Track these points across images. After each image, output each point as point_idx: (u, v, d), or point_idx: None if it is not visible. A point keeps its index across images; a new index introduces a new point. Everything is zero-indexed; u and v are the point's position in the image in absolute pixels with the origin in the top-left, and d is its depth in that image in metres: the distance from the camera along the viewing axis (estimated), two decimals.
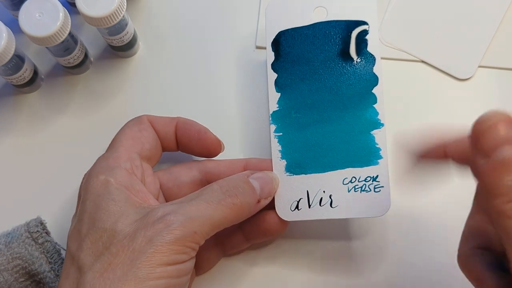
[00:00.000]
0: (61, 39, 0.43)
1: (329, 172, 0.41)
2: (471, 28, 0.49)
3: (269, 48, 0.43)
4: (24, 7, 0.42)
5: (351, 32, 0.42)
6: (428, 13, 0.50)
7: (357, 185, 0.40)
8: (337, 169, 0.41)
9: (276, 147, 0.43)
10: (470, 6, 0.50)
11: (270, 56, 0.43)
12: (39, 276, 0.41)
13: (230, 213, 0.36)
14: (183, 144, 0.43)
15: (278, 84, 0.43)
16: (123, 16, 0.44)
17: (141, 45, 0.51)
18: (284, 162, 0.42)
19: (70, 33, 0.44)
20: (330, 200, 0.40)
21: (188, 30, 0.51)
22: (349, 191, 0.40)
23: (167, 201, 0.42)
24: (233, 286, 0.45)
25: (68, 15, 0.43)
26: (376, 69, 0.41)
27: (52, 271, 0.42)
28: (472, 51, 0.49)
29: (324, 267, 0.45)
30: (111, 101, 0.49)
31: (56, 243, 0.43)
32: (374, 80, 0.41)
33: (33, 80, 0.48)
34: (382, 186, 0.40)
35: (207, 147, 0.42)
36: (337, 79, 0.42)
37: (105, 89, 0.50)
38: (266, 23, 0.44)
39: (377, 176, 0.40)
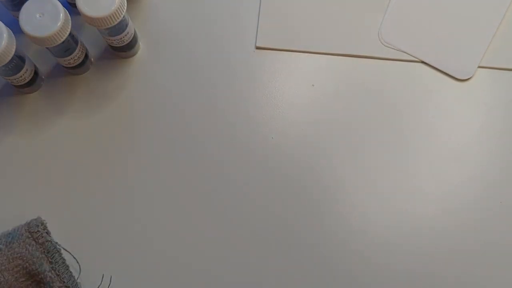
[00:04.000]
0: (62, 40, 0.43)
1: None
2: (471, 28, 0.49)
3: None
4: (25, 7, 0.42)
5: None
6: (428, 14, 0.50)
7: None
8: None
9: None
10: (470, 7, 0.50)
11: None
12: (39, 276, 0.42)
13: None
14: None
15: None
16: (124, 17, 0.44)
17: (141, 45, 0.51)
18: None
19: (70, 34, 0.44)
20: None
21: (188, 30, 0.51)
22: None
23: None
24: None
25: (69, 15, 0.43)
26: None
27: (52, 271, 0.42)
28: (472, 51, 0.49)
29: None
30: (112, 101, 0.49)
31: (56, 243, 0.43)
32: None
33: (34, 81, 0.48)
34: None
35: None
36: None
37: (106, 90, 0.50)
38: None
39: None
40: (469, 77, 0.48)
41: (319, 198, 0.46)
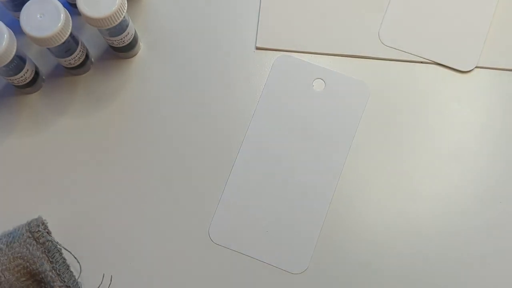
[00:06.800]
0: (62, 40, 0.43)
1: None
2: (468, 24, 0.49)
3: None
4: (25, 8, 0.42)
5: None
6: (427, 14, 0.50)
7: None
8: None
9: None
10: (468, 6, 0.50)
11: None
12: (40, 276, 0.42)
13: None
14: None
15: None
16: (124, 17, 0.44)
17: (141, 45, 0.51)
18: None
19: (71, 34, 0.44)
20: None
21: (189, 31, 0.51)
22: None
23: None
24: None
25: (69, 16, 0.43)
26: None
27: (53, 271, 0.42)
28: (471, 44, 0.49)
29: None
30: (112, 102, 0.50)
31: (57, 242, 0.43)
32: None
33: (34, 81, 0.49)
34: None
35: None
36: None
37: (106, 90, 0.50)
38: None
39: None
40: (472, 68, 0.48)
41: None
